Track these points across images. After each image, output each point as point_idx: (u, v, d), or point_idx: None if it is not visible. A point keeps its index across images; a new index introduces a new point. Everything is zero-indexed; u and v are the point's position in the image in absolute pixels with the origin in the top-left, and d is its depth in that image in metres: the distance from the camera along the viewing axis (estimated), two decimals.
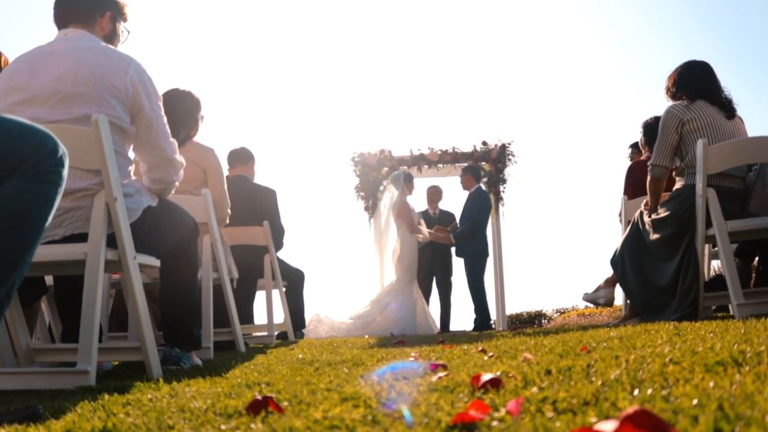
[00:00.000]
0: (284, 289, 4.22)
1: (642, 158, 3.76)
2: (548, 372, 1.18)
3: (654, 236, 2.88)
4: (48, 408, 1.26)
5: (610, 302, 3.48)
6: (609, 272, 3.38)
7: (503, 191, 6.92)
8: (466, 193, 6.03)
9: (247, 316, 4.08)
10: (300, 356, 2.40)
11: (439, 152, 6.99)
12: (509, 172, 6.93)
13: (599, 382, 1.00)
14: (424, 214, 6.30)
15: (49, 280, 2.37)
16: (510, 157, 6.92)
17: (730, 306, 2.59)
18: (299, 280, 4.49)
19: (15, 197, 1.10)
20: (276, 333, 4.11)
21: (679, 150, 2.84)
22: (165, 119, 2.00)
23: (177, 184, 2.09)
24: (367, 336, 4.55)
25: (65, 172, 1.17)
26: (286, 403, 1.08)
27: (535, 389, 1.00)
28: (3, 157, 1.10)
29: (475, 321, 5.93)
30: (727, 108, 2.80)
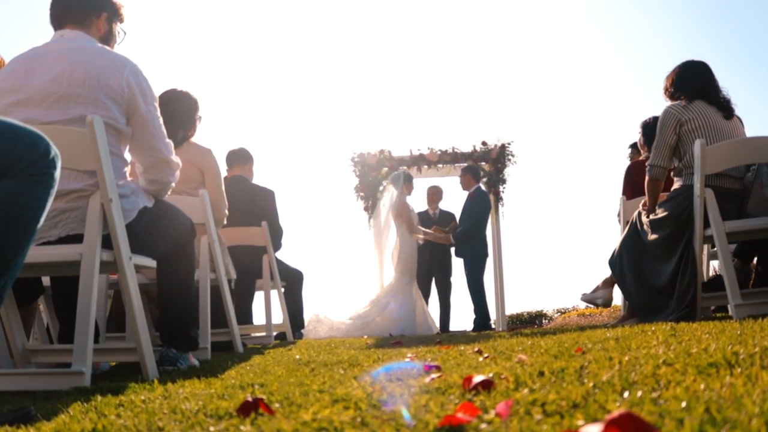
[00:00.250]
0: (283, 290, 4.22)
1: (641, 158, 3.75)
2: (541, 373, 1.18)
3: (652, 236, 2.87)
4: (41, 409, 1.26)
5: (608, 303, 3.47)
6: (608, 272, 3.38)
7: (503, 191, 6.91)
8: (466, 194, 6.03)
9: (245, 317, 4.08)
10: (297, 357, 2.39)
11: (439, 152, 6.98)
12: (509, 172, 6.93)
13: (591, 384, 1.00)
14: (424, 215, 6.30)
15: (46, 280, 2.38)
16: (510, 157, 6.92)
17: (729, 306, 2.58)
18: (298, 280, 4.49)
19: (7, 199, 1.10)
20: (275, 333, 4.11)
21: (677, 150, 2.84)
22: (161, 120, 2.00)
23: (173, 185, 2.09)
24: (366, 336, 4.54)
25: (57, 173, 1.16)
26: (277, 405, 1.08)
27: (526, 391, 1.00)
28: None
29: (475, 321, 5.93)
30: (725, 108, 2.79)
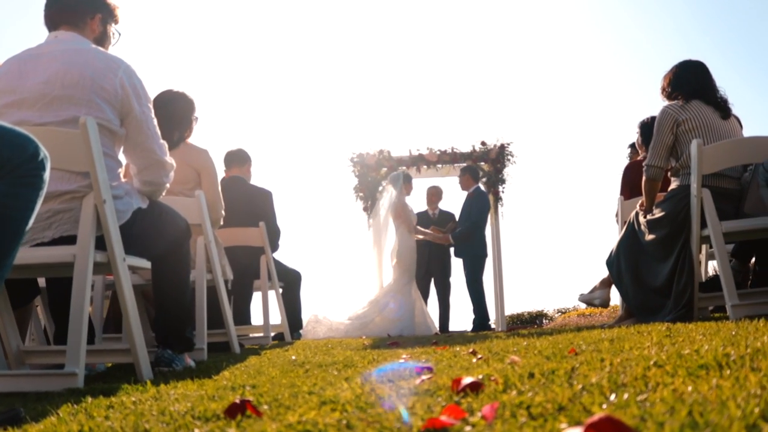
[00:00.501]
0: (281, 290, 4.22)
1: (638, 158, 3.74)
2: (531, 375, 1.17)
3: (649, 237, 2.86)
4: (31, 411, 1.26)
5: (605, 303, 3.46)
6: (606, 272, 3.37)
7: (502, 191, 6.90)
8: (466, 194, 6.02)
9: (244, 317, 4.08)
10: (293, 358, 2.39)
11: (438, 152, 6.97)
12: (508, 172, 6.92)
13: (579, 386, 0.99)
14: (423, 215, 6.29)
15: (42, 282, 2.38)
16: (509, 157, 6.90)
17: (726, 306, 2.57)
18: (296, 280, 4.49)
19: None
20: (273, 334, 4.11)
21: (674, 150, 2.83)
22: (155, 121, 2.00)
23: (167, 186, 2.09)
24: (364, 337, 4.54)
25: (46, 175, 1.16)
26: (265, 407, 1.08)
27: (514, 393, 0.99)
28: None
29: (474, 321, 5.92)
30: (722, 108, 2.78)
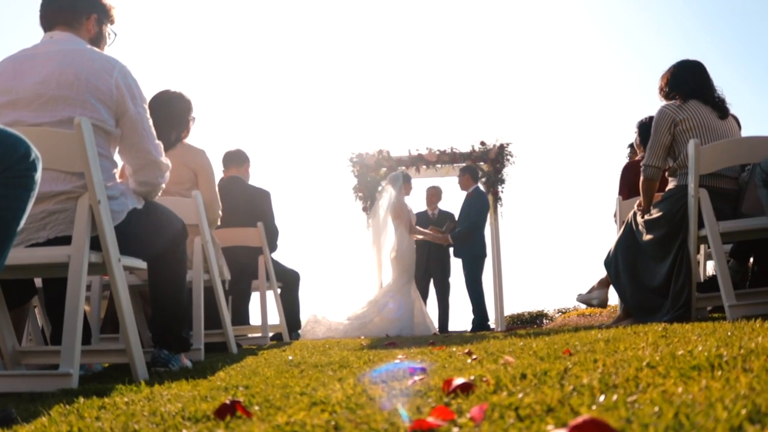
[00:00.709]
0: (279, 291, 4.21)
1: (637, 158, 3.74)
2: (523, 376, 1.17)
3: (647, 237, 2.86)
4: (23, 411, 1.26)
5: (603, 303, 3.46)
6: (605, 273, 3.36)
7: (502, 191, 6.90)
8: (465, 194, 6.02)
9: (242, 317, 4.08)
10: (289, 358, 2.39)
11: (438, 153, 6.97)
12: (507, 172, 6.91)
13: (570, 388, 0.99)
14: (423, 215, 6.29)
15: (39, 282, 2.38)
16: (508, 157, 6.90)
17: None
18: (295, 281, 4.49)
19: None
20: (271, 334, 4.11)
21: (671, 150, 2.82)
22: (150, 122, 2.00)
23: (163, 186, 2.09)
24: (362, 337, 4.54)
25: (38, 175, 1.16)
26: (256, 407, 1.08)
27: (504, 394, 0.99)
28: None
29: (473, 322, 5.92)
30: (719, 108, 2.77)
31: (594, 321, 6.18)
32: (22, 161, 1.13)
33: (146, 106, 1.99)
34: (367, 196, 6.86)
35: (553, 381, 1.10)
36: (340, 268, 6.72)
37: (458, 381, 1.06)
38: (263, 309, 3.90)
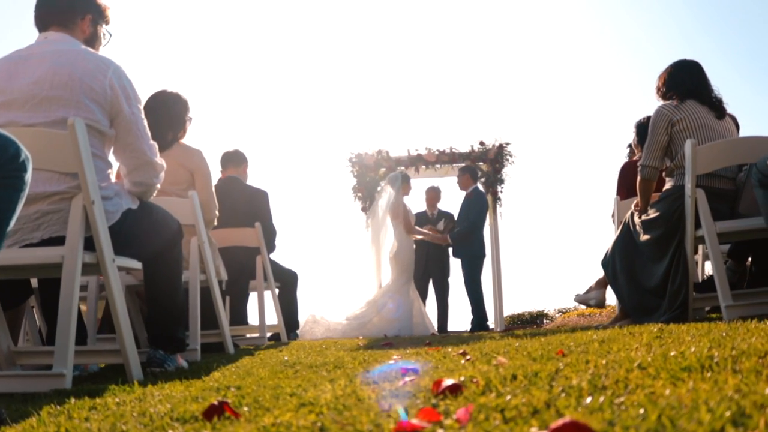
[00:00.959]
0: (278, 291, 4.21)
1: (635, 158, 3.73)
2: (514, 377, 1.17)
3: (644, 237, 2.85)
4: (14, 412, 1.26)
5: (601, 303, 3.45)
6: (602, 273, 3.36)
7: (501, 191, 6.89)
8: (464, 194, 6.01)
9: (241, 318, 4.08)
10: (285, 358, 2.39)
11: (437, 153, 6.97)
12: (507, 172, 6.91)
13: (559, 389, 0.99)
14: (422, 215, 6.29)
15: (36, 282, 2.38)
16: (508, 157, 6.89)
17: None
18: (293, 281, 4.49)
19: None
20: (270, 334, 4.11)
21: (669, 150, 2.82)
22: (145, 122, 2.00)
23: (158, 186, 2.09)
24: (361, 337, 4.54)
25: (28, 176, 1.16)
26: (246, 408, 1.07)
27: (493, 396, 0.99)
28: None
29: (472, 322, 5.92)
30: (717, 108, 2.77)
31: (593, 321, 6.16)
32: (11, 162, 1.13)
33: (141, 107, 1.99)
34: (367, 196, 6.85)
35: (543, 382, 1.09)
36: (339, 268, 6.71)
37: (447, 382, 1.06)
38: (261, 309, 3.90)
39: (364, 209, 6.86)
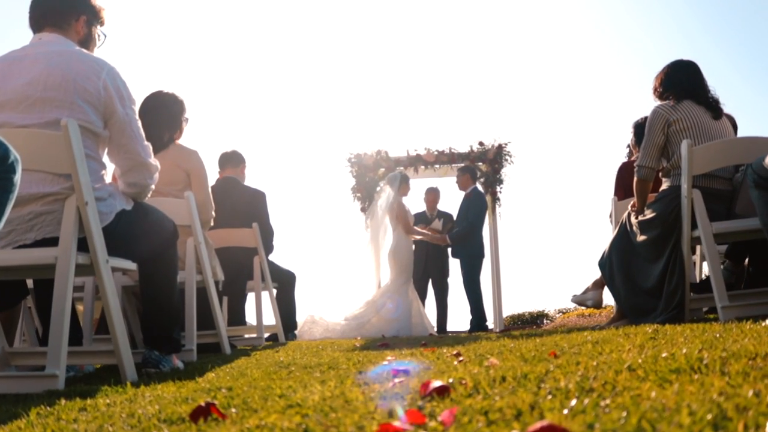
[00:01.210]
0: (275, 291, 4.21)
1: (633, 159, 3.73)
2: (503, 379, 1.17)
3: (641, 238, 2.85)
4: (4, 413, 1.27)
5: (598, 304, 3.45)
6: (600, 273, 3.35)
7: (500, 192, 6.89)
8: (463, 194, 6.01)
9: (238, 318, 4.09)
10: (280, 359, 2.39)
11: (436, 153, 6.97)
12: (506, 172, 6.91)
13: (546, 391, 0.98)
14: (421, 216, 6.29)
15: (31, 283, 2.38)
16: (507, 157, 6.89)
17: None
18: (290, 281, 4.49)
19: None
20: (267, 335, 4.11)
21: (665, 151, 2.81)
22: (139, 123, 2.00)
23: (152, 187, 2.09)
24: (359, 337, 4.54)
25: (17, 177, 1.16)
26: (233, 410, 1.07)
27: (480, 398, 0.99)
28: None
29: (472, 322, 5.91)
30: (713, 108, 2.76)
31: (593, 321, 6.16)
32: (0, 164, 1.13)
33: (135, 108, 1.99)
34: (366, 196, 6.86)
35: (531, 384, 1.09)
36: (338, 268, 6.71)
37: (435, 384, 1.06)
38: (258, 309, 3.90)
39: (363, 209, 6.86)
